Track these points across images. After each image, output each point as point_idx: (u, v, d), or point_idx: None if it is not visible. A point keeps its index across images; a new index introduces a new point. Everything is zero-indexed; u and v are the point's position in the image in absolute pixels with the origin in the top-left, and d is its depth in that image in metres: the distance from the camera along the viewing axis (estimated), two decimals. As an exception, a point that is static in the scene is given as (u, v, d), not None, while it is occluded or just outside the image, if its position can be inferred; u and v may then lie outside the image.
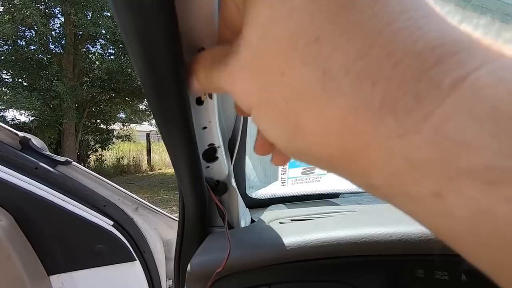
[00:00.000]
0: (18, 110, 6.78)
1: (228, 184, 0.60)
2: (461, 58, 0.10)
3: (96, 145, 8.48)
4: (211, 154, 0.49)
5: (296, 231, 0.49)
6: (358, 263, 0.47)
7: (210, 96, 0.35)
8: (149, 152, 9.44)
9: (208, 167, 0.52)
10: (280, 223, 0.59)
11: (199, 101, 0.35)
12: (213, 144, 0.46)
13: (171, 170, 9.00)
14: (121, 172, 8.35)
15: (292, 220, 0.60)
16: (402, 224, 0.47)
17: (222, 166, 0.54)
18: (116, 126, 9.58)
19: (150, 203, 0.97)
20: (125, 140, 10.32)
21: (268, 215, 0.66)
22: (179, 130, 0.33)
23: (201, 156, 0.45)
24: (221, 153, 0.50)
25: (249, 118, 0.62)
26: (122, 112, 9.53)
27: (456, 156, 0.10)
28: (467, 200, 0.09)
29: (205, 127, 0.41)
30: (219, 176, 0.58)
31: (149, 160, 9.33)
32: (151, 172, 8.88)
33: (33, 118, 6.97)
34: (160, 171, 9.13)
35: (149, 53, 0.23)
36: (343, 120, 0.12)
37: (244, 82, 0.16)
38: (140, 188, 6.40)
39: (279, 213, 0.66)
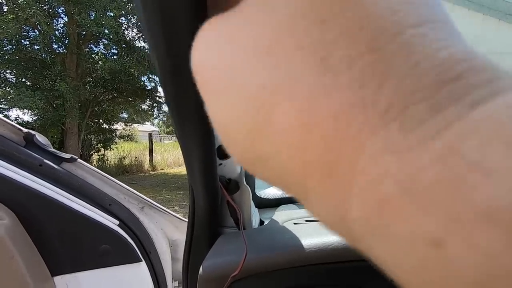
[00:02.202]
0: (21, 110, 6.81)
1: (240, 182, 0.58)
2: (489, 76, 0.09)
3: (99, 145, 8.50)
4: (224, 150, 0.47)
5: (314, 232, 0.47)
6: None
7: None
8: (151, 152, 9.45)
9: (221, 164, 0.50)
10: (295, 223, 0.56)
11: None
12: (227, 139, 0.44)
13: (173, 170, 9.04)
14: (123, 172, 8.36)
15: (306, 220, 0.58)
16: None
17: (235, 164, 0.52)
18: (119, 126, 9.60)
19: (154, 203, 0.95)
20: (127, 140, 10.33)
21: (280, 215, 0.63)
22: (196, 123, 0.31)
23: None
24: (235, 149, 0.47)
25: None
26: (124, 112, 9.57)
27: (470, 186, 0.07)
28: (477, 254, 0.07)
29: (220, 121, 0.39)
30: (231, 174, 0.55)
31: (151, 160, 9.34)
32: (153, 172, 8.89)
33: (36, 117, 7.00)
34: (162, 171, 9.13)
35: (169, 33, 0.20)
36: (334, 120, 0.10)
37: (216, 57, 0.13)
38: (142, 188, 6.39)
39: (291, 213, 0.64)
